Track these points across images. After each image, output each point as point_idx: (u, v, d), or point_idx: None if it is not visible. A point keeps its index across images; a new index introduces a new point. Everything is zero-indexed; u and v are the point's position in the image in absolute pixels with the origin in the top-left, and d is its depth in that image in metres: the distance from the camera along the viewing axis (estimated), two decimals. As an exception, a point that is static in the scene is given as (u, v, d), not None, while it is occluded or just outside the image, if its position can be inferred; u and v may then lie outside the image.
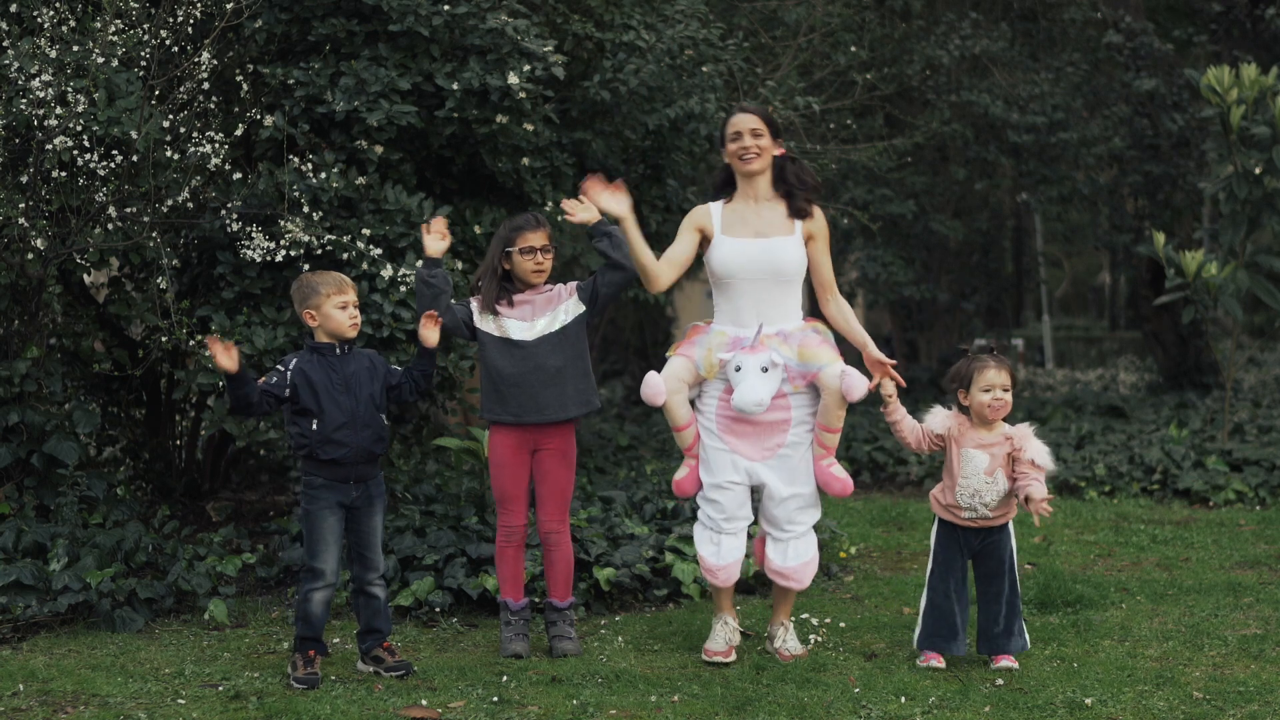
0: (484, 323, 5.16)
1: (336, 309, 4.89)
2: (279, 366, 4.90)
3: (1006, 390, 4.92)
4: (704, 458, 5.11)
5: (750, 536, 5.46)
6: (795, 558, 5.09)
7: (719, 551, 5.08)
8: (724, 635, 5.13)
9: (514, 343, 5.11)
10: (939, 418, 5.02)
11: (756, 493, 5.18)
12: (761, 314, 5.04)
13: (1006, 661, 4.89)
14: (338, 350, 4.93)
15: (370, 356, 5.02)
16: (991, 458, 4.92)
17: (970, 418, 4.98)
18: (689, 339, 5.18)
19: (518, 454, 5.17)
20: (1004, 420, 5.00)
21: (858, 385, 4.93)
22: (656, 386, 5.03)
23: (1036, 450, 4.93)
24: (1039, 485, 4.85)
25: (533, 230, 5.14)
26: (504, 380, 5.12)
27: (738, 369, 4.95)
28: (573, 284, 5.26)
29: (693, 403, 5.15)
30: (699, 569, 5.99)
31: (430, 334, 5.03)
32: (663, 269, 5.12)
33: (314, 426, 4.84)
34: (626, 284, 5.22)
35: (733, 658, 5.07)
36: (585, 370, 5.20)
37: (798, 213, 5.11)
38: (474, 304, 5.20)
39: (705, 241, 5.14)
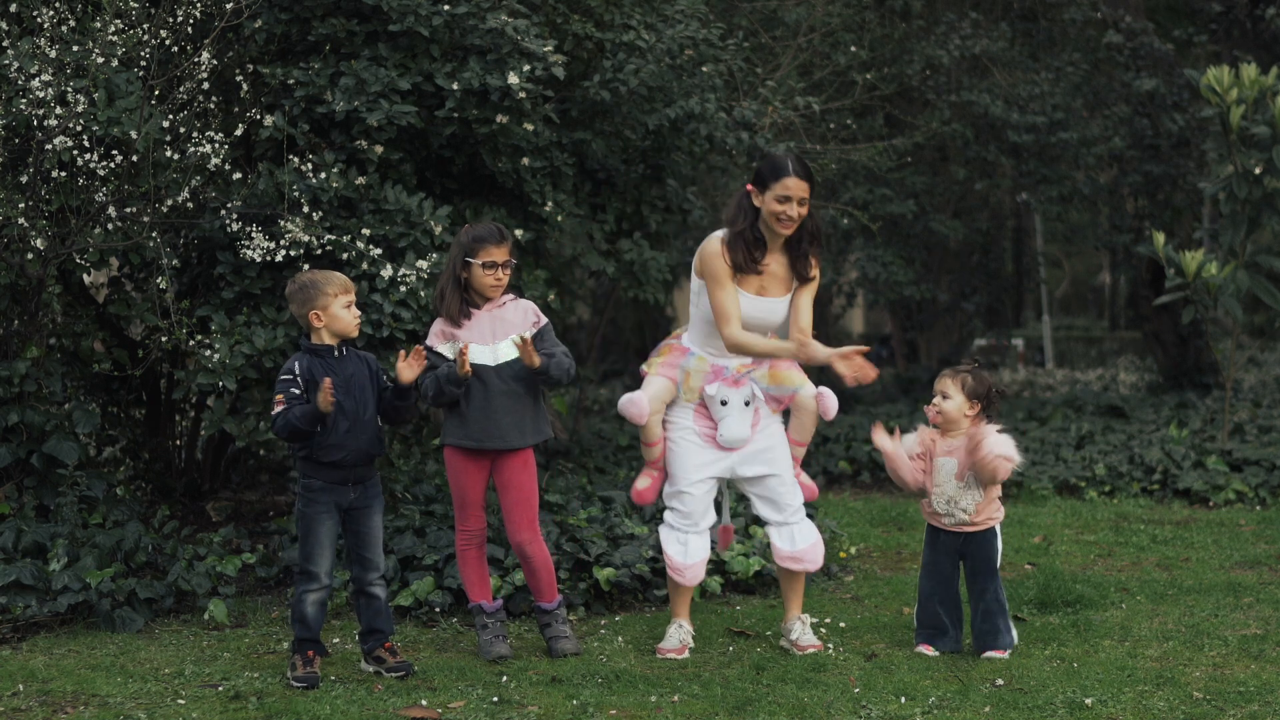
0: (444, 347, 5.08)
1: (343, 309, 4.86)
2: (284, 376, 4.83)
3: (945, 398, 5.10)
4: (676, 460, 5.21)
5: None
6: (803, 540, 5.23)
7: (686, 551, 5.20)
8: (678, 636, 5.22)
9: (476, 367, 5.04)
10: (909, 440, 5.22)
11: (733, 490, 5.31)
12: None
13: (992, 652, 5.05)
14: (336, 353, 4.90)
15: (367, 359, 4.99)
16: (959, 462, 5.09)
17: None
18: (668, 360, 5.26)
19: (478, 462, 5.13)
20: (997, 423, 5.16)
21: (833, 405, 5.20)
22: (640, 406, 5.14)
23: (995, 440, 5.02)
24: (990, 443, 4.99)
25: (496, 244, 5.06)
26: (467, 404, 5.05)
27: (723, 403, 5.13)
28: (532, 309, 5.18)
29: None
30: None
31: (406, 370, 4.88)
32: (739, 331, 5.08)
33: (317, 429, 4.83)
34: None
35: (685, 655, 5.14)
36: (539, 396, 5.19)
37: (801, 278, 5.16)
38: (436, 326, 5.10)
39: None
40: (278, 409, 4.80)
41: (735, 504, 6.84)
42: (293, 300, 4.91)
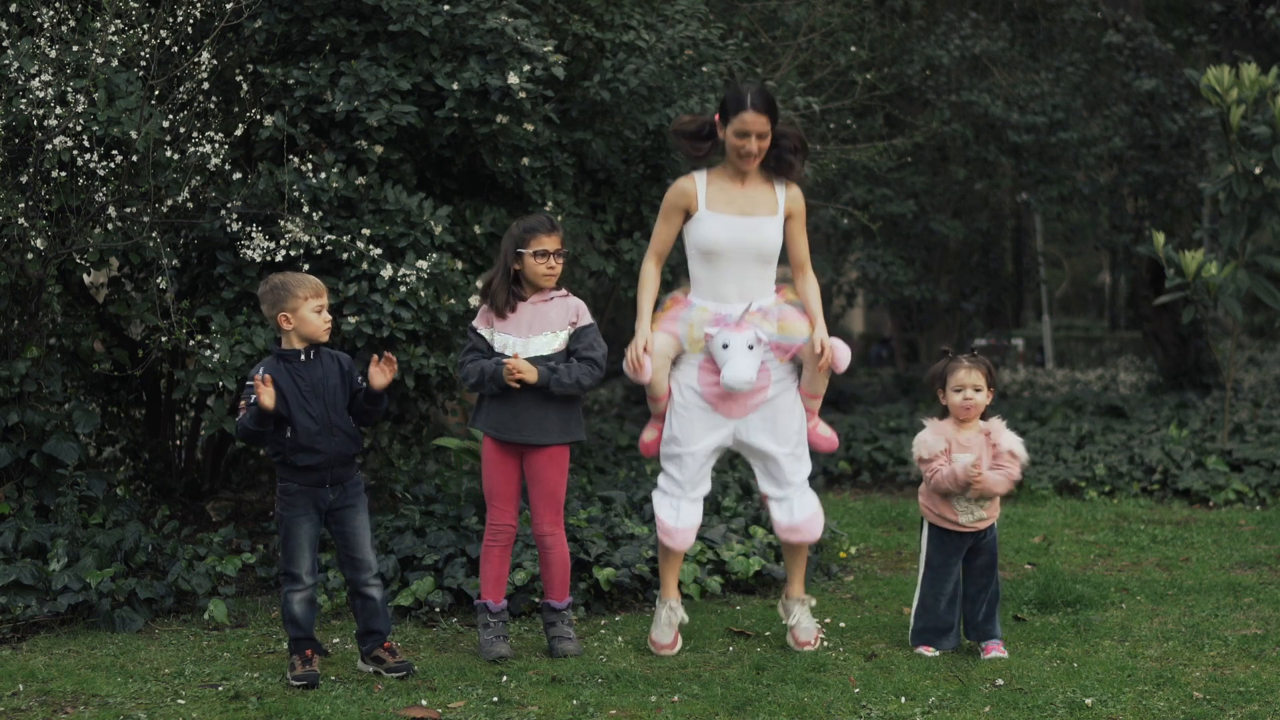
0: (485, 331, 5.14)
1: (313, 313, 4.83)
2: (248, 381, 4.83)
3: (978, 390, 5.05)
4: (678, 422, 5.17)
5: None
6: (801, 512, 5.20)
7: (678, 515, 5.20)
8: (667, 619, 5.21)
9: (504, 358, 5.06)
10: (928, 441, 5.09)
11: (739, 459, 5.28)
12: (742, 290, 5.13)
13: (996, 652, 5.03)
14: (303, 356, 4.86)
15: (339, 359, 4.94)
16: (978, 457, 5.03)
17: (950, 419, 5.13)
18: (670, 313, 5.23)
19: (507, 454, 5.15)
20: (986, 418, 5.14)
21: (843, 357, 5.10)
22: (643, 364, 5.12)
23: (1012, 440, 5.07)
24: (1010, 470, 5.04)
25: (547, 233, 5.10)
26: (493, 394, 5.09)
27: (725, 346, 5.04)
28: (576, 309, 5.18)
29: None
30: (698, 569, 6.01)
31: (378, 376, 4.87)
32: (653, 274, 5.25)
33: (287, 434, 4.81)
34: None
35: (678, 647, 5.15)
36: (572, 397, 5.14)
37: (786, 173, 5.16)
38: (482, 310, 5.17)
39: (687, 215, 5.19)
40: (241, 414, 4.84)
41: (735, 504, 6.84)
42: (264, 301, 4.88)
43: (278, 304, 4.83)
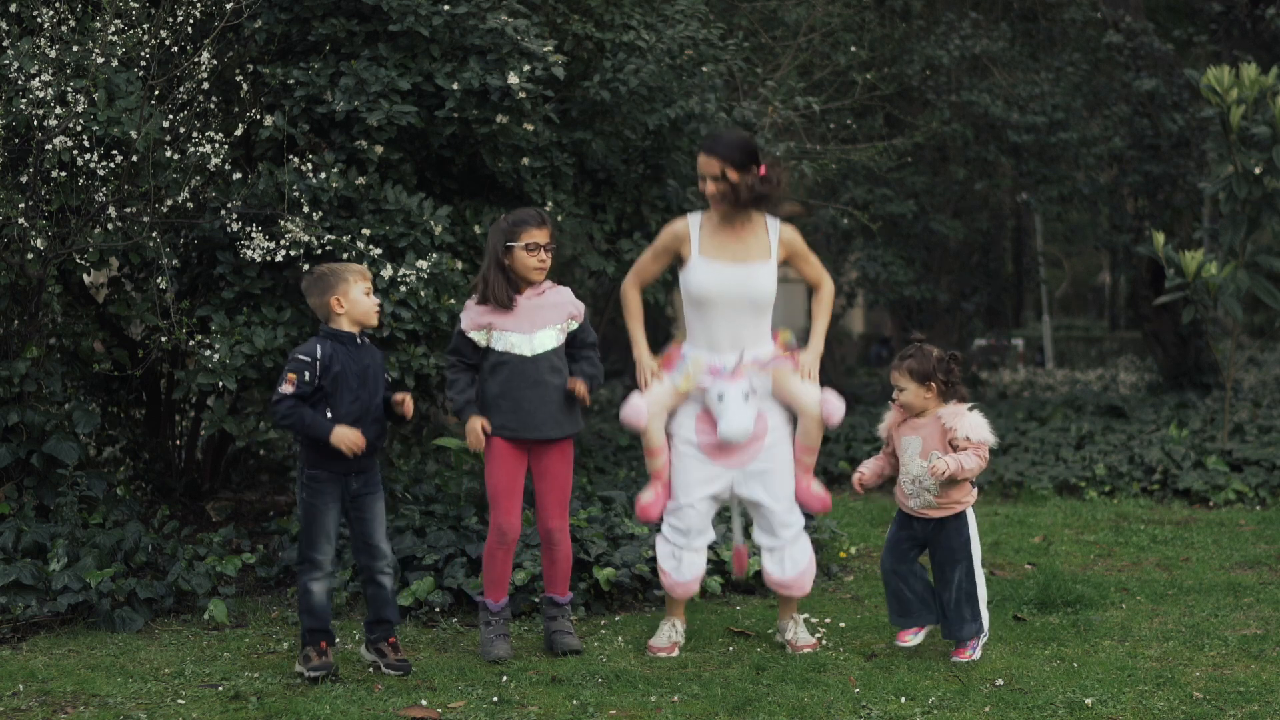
0: (477, 335, 5.09)
1: (363, 294, 4.87)
2: (301, 356, 4.79)
3: (901, 390, 5.02)
4: (675, 473, 5.15)
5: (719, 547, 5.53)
6: (792, 567, 5.18)
7: (680, 568, 5.18)
8: (668, 635, 5.23)
9: (512, 357, 5.06)
10: (882, 423, 5.18)
11: (728, 509, 5.28)
12: (737, 338, 5.09)
13: (957, 657, 4.96)
14: (358, 340, 4.89)
15: (376, 351, 4.99)
16: (923, 440, 4.99)
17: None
18: (666, 364, 5.20)
19: (515, 452, 5.14)
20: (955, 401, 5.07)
21: (836, 410, 5.08)
22: (639, 410, 5.08)
23: (968, 425, 4.96)
24: (951, 459, 4.90)
25: (537, 227, 5.07)
26: (499, 394, 5.07)
27: (720, 398, 5.02)
28: (570, 299, 5.18)
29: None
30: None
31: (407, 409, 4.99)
32: (635, 299, 5.32)
33: (328, 415, 4.80)
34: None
35: (675, 654, 5.15)
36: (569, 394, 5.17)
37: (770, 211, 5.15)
38: (470, 313, 5.11)
39: (680, 260, 5.16)
40: (286, 388, 4.77)
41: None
42: (312, 290, 4.88)
43: (328, 289, 4.84)
